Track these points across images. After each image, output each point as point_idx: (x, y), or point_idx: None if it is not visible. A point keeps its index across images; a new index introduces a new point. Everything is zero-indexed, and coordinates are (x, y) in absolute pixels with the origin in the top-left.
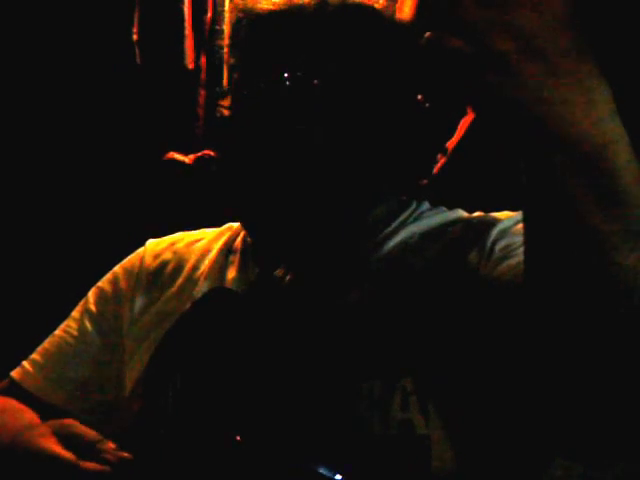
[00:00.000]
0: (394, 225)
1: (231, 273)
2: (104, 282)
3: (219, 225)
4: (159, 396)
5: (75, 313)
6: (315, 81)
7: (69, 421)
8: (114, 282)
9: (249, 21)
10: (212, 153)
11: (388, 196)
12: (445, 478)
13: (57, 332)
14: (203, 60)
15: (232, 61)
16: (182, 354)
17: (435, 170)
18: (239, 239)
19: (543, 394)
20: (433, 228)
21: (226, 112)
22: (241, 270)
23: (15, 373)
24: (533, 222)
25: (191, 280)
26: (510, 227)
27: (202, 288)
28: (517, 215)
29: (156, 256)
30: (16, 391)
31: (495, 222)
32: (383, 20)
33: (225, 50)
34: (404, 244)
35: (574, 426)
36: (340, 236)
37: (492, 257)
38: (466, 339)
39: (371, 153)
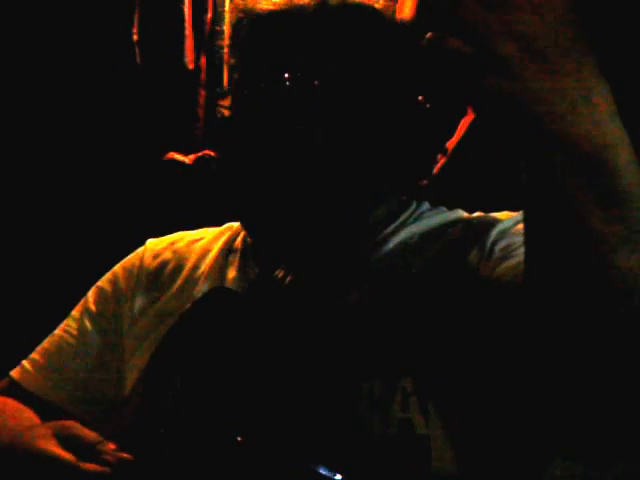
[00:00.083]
0: (394, 225)
1: (231, 273)
2: (104, 281)
3: (219, 225)
4: (159, 396)
5: (75, 313)
6: (315, 81)
7: (69, 422)
8: (114, 281)
9: (249, 21)
10: (212, 153)
11: (388, 196)
12: (445, 478)
13: (57, 332)
14: (203, 60)
15: (232, 61)
16: (182, 354)
17: (435, 170)
18: (239, 239)
19: (543, 394)
20: (433, 228)
21: (226, 112)
22: (241, 270)
23: (15, 373)
24: (533, 222)
25: (191, 280)
26: (510, 227)
27: (202, 288)
28: (517, 215)
29: (156, 256)
30: (16, 391)
31: (495, 222)
32: (383, 20)
33: (225, 50)
34: (404, 244)
35: (574, 426)
36: (340, 236)
37: (492, 257)
38: (466, 339)
39: (371, 153)
